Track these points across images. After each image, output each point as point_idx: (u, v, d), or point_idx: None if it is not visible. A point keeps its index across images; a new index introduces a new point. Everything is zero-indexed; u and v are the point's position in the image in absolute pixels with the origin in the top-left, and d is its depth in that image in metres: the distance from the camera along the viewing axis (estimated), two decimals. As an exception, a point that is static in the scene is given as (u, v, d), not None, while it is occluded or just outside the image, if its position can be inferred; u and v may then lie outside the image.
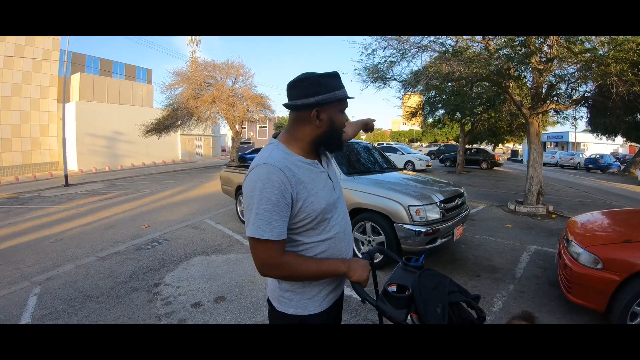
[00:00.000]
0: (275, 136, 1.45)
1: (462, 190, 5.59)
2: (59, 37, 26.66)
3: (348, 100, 1.39)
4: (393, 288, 1.32)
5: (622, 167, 27.21)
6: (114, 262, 5.34)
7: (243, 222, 7.56)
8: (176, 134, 31.10)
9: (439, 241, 4.65)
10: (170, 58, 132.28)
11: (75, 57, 33.96)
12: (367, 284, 1.38)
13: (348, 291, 3.46)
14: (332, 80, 1.33)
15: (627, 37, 6.57)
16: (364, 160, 6.35)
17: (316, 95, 1.30)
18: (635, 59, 6.54)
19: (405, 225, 4.50)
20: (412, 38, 8.93)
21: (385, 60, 9.77)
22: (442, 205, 4.78)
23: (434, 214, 4.61)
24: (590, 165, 27.77)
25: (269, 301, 1.50)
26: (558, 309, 3.80)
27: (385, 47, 9.50)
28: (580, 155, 32.70)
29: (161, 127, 25.04)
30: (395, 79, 10.44)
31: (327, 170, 1.47)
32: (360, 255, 4.34)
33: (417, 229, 4.43)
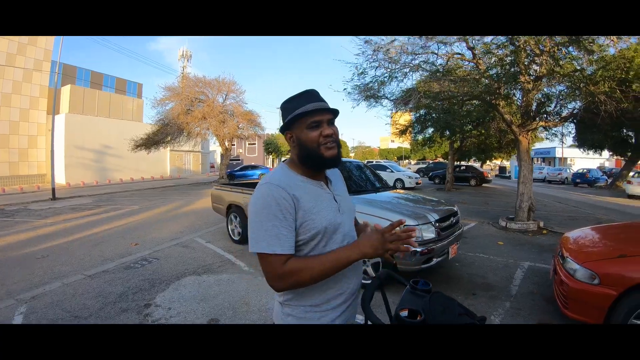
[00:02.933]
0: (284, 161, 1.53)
1: (455, 209, 5.59)
2: (51, 48, 26.52)
3: (323, 112, 1.38)
4: (405, 313, 1.29)
5: (609, 180, 27.59)
6: (103, 281, 5.22)
7: (234, 241, 7.49)
8: (165, 150, 31.06)
9: (435, 260, 4.62)
10: (161, 73, 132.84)
11: (66, 68, 33.75)
12: (390, 258, 1.37)
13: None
14: (295, 102, 1.41)
15: (615, 55, 6.71)
16: (357, 179, 6.30)
17: (285, 120, 1.42)
18: (622, 76, 6.68)
19: (400, 245, 4.45)
20: (403, 58, 9.02)
21: (376, 80, 9.83)
22: (437, 224, 4.76)
23: (429, 234, 4.60)
24: (577, 180, 28.01)
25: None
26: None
27: (376, 67, 9.56)
28: (568, 170, 33.06)
29: (151, 142, 25.04)
30: (387, 98, 10.50)
31: (332, 193, 1.48)
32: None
33: (412, 249, 4.39)
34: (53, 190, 16.95)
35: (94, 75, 38.61)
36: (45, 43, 26.32)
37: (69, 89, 31.33)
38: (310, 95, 1.41)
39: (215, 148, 45.95)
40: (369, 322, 1.31)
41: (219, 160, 32.32)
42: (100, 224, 9.98)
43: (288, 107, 1.43)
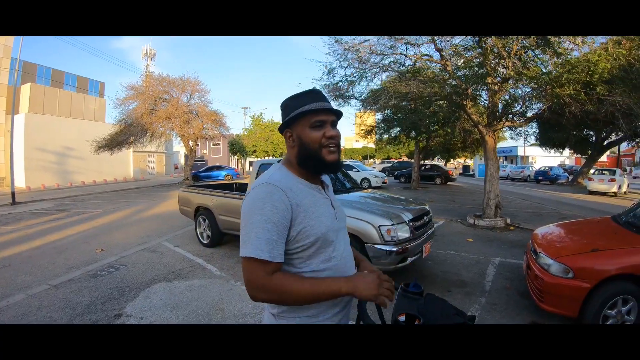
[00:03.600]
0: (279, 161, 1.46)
1: (428, 208, 5.66)
2: (11, 45, 25.21)
3: (328, 112, 1.34)
4: (402, 318, 1.27)
5: (570, 177, 28.73)
6: (69, 291, 4.97)
7: (204, 244, 7.32)
8: (128, 151, 30.24)
9: (409, 259, 4.66)
10: (123, 71, 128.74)
11: (26, 66, 32.20)
12: (384, 301, 1.23)
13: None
14: (299, 100, 1.35)
15: (580, 58, 6.97)
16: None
17: (285, 117, 1.36)
18: (587, 79, 6.93)
19: (376, 246, 4.48)
20: (372, 58, 9.08)
21: (346, 80, 9.87)
22: (411, 223, 4.81)
23: (404, 233, 4.63)
24: (540, 177, 29.01)
25: None
26: (531, 317, 3.95)
27: (346, 67, 9.60)
28: (530, 168, 34.26)
29: (114, 143, 24.30)
30: (355, 98, 10.56)
31: (329, 197, 1.43)
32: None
33: (388, 249, 4.42)
34: (13, 194, 16.09)
35: (54, 74, 37.05)
36: (5, 39, 24.89)
37: (29, 87, 29.88)
38: (316, 95, 1.36)
39: (180, 149, 45.05)
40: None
41: (183, 161, 31.70)
42: (64, 230, 9.56)
43: (291, 104, 1.37)
